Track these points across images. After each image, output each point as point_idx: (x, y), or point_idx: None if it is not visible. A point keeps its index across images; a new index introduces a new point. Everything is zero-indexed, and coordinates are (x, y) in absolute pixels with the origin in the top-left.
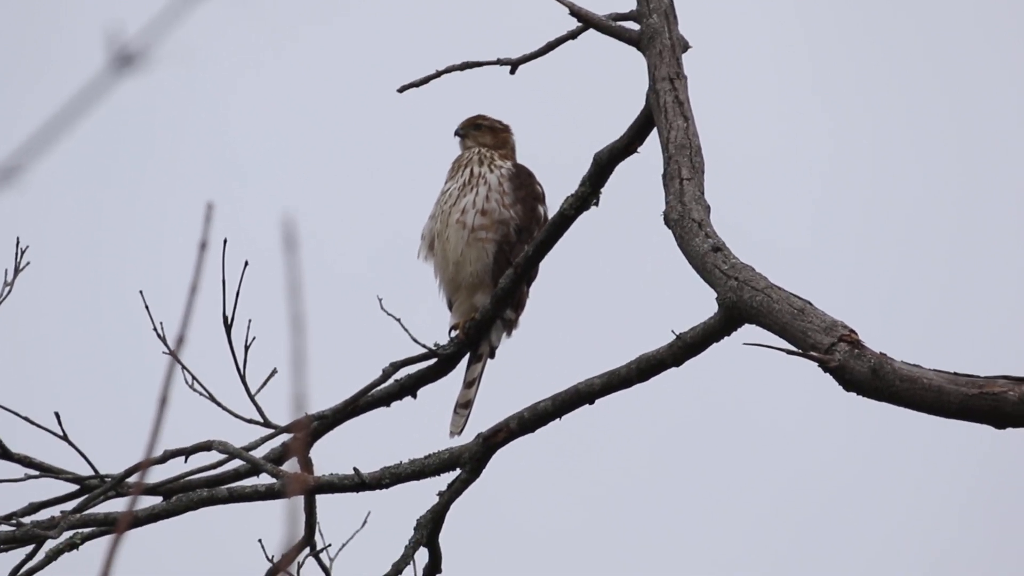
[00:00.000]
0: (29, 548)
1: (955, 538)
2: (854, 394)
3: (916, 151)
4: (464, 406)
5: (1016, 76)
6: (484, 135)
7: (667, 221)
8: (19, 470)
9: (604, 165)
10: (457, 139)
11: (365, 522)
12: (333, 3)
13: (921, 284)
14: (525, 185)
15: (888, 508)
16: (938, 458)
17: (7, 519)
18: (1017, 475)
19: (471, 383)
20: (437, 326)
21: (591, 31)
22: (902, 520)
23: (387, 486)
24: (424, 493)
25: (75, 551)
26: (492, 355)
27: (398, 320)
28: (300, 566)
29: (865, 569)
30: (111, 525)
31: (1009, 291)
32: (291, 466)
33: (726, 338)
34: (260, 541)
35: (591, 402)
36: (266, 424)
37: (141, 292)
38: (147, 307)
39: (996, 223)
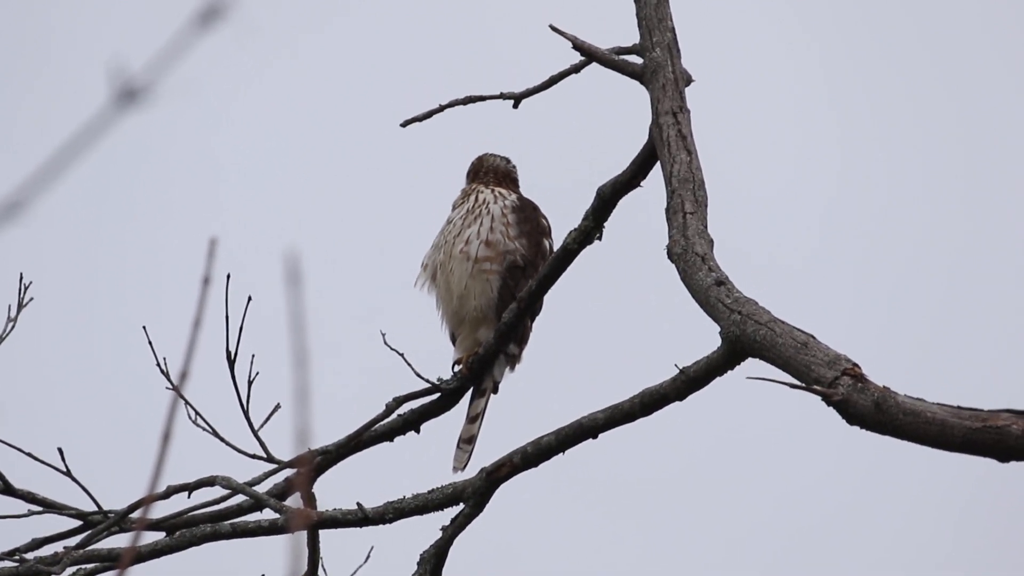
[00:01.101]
0: None
1: (953, 539)
2: (857, 428)
3: (923, 181)
4: (467, 441)
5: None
6: (488, 175)
7: (670, 255)
8: (22, 506)
9: (607, 199)
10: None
11: (368, 557)
12: (335, 37)
13: (926, 307)
14: (530, 219)
15: (891, 541)
16: (942, 493)
17: (10, 555)
18: (1018, 504)
19: (474, 418)
20: (440, 361)
21: (594, 65)
22: (906, 555)
23: (390, 521)
24: (427, 528)
25: None
26: (495, 390)
27: (401, 355)
28: None
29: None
30: (114, 561)
31: (1016, 312)
32: (294, 501)
33: (729, 372)
34: None
35: (594, 436)
36: (269, 459)
37: (144, 327)
38: (150, 342)
39: (1005, 245)
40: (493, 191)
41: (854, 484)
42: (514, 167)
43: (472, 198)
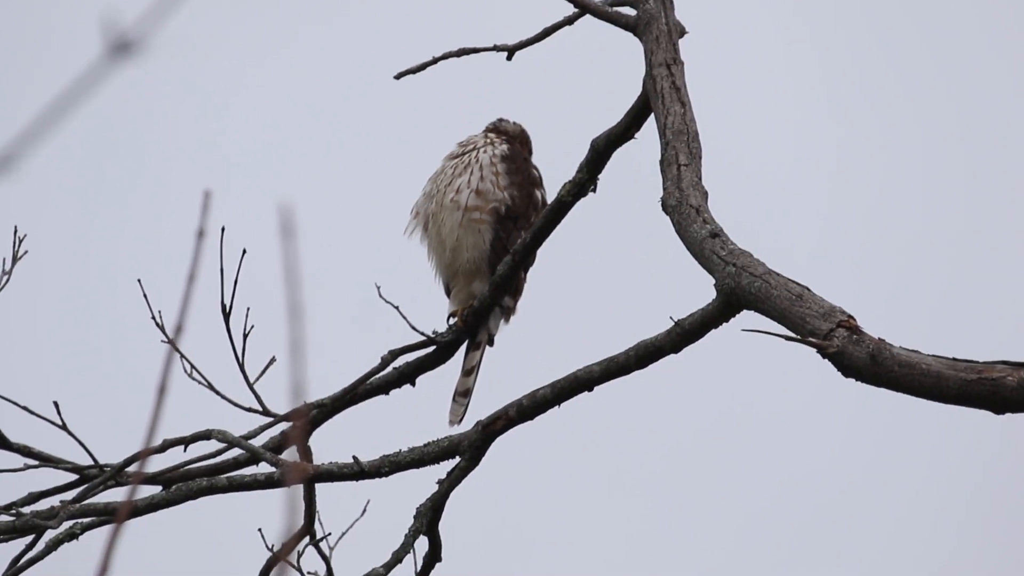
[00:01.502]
0: (29, 538)
1: (959, 528)
2: (852, 380)
3: (922, 143)
4: (463, 395)
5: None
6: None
7: (665, 207)
8: (18, 460)
9: (601, 151)
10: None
11: (365, 511)
12: None
13: (924, 281)
14: (521, 169)
15: (889, 496)
16: (941, 447)
17: (6, 509)
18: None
19: (470, 371)
20: (435, 313)
21: (588, 17)
22: (903, 509)
23: (386, 474)
24: (423, 481)
25: (75, 541)
26: (491, 343)
27: (396, 308)
28: (300, 555)
29: (864, 559)
30: (111, 515)
31: (1012, 291)
32: (290, 455)
33: (724, 324)
34: (260, 530)
35: (590, 389)
36: (265, 413)
37: (139, 281)
38: (145, 296)
39: (1001, 223)
40: (485, 136)
41: (851, 437)
42: (528, 136)
43: (466, 148)
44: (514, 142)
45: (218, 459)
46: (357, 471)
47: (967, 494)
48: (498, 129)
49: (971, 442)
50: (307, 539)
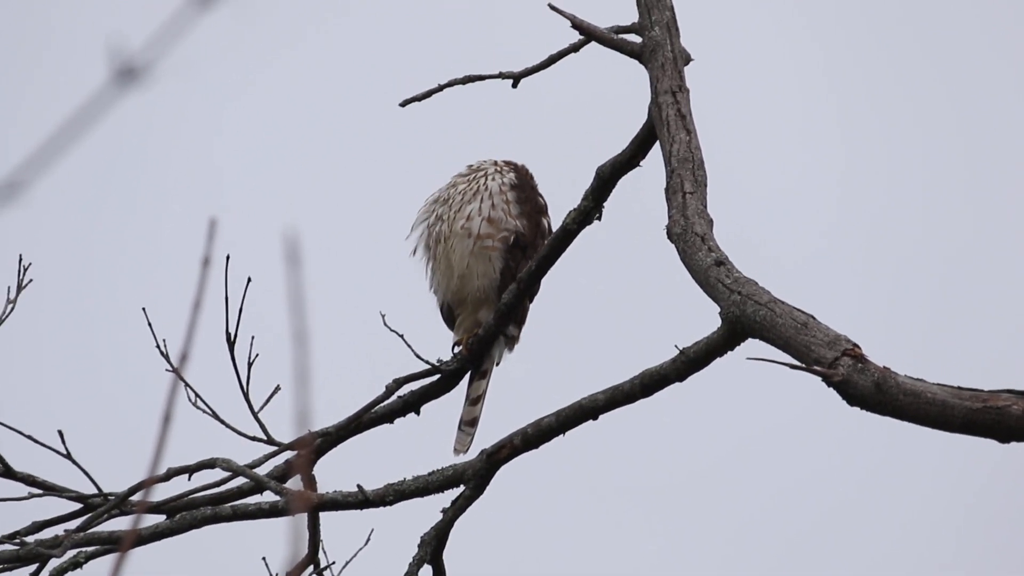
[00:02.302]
0: (33, 567)
1: (962, 553)
2: (858, 408)
3: (926, 163)
4: (470, 423)
5: None
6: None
7: (670, 235)
8: (22, 489)
9: (606, 179)
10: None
11: (368, 539)
12: (334, 18)
13: (928, 297)
14: (529, 198)
15: (893, 522)
16: (944, 472)
17: (10, 538)
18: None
19: (475, 400)
20: (440, 342)
21: (593, 44)
22: (907, 535)
23: (391, 503)
24: (428, 510)
25: (79, 570)
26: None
27: (401, 336)
28: None
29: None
30: (115, 544)
31: (1017, 301)
32: (295, 483)
33: (729, 353)
34: (264, 559)
35: (595, 418)
36: (269, 441)
37: (144, 309)
38: (150, 324)
39: (1008, 233)
40: (495, 164)
41: (856, 465)
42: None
43: (475, 174)
44: (521, 173)
45: (222, 488)
46: (361, 500)
47: (967, 512)
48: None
49: (973, 460)
50: (311, 568)
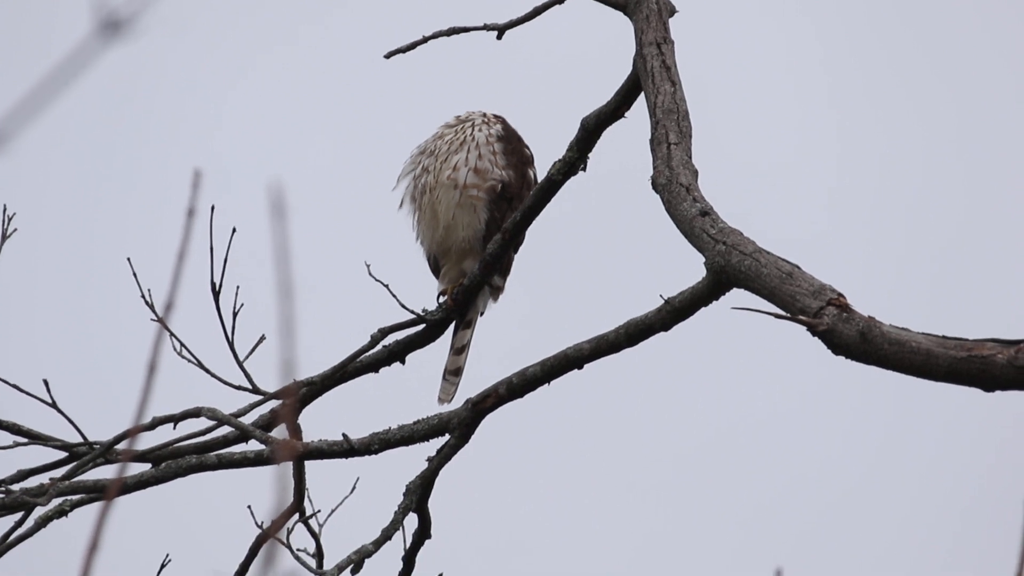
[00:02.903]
0: (18, 515)
1: (960, 522)
2: (842, 357)
3: (918, 122)
4: (454, 373)
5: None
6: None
7: (655, 186)
8: (8, 437)
9: (591, 130)
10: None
11: (354, 488)
12: None
13: (924, 271)
14: (516, 149)
15: (877, 474)
16: (926, 420)
17: None
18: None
19: (460, 350)
20: (425, 291)
21: None
22: (894, 486)
23: (376, 452)
24: (413, 459)
25: (64, 518)
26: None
27: (386, 286)
28: (289, 532)
29: (853, 541)
30: (100, 492)
31: (1012, 283)
32: (280, 432)
33: (714, 302)
34: (249, 507)
35: (580, 367)
36: (255, 390)
37: (128, 259)
38: (135, 274)
39: (1002, 217)
40: (484, 115)
41: (840, 416)
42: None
43: (463, 125)
44: (508, 125)
45: (208, 437)
46: (347, 448)
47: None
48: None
49: (955, 408)
50: (297, 516)
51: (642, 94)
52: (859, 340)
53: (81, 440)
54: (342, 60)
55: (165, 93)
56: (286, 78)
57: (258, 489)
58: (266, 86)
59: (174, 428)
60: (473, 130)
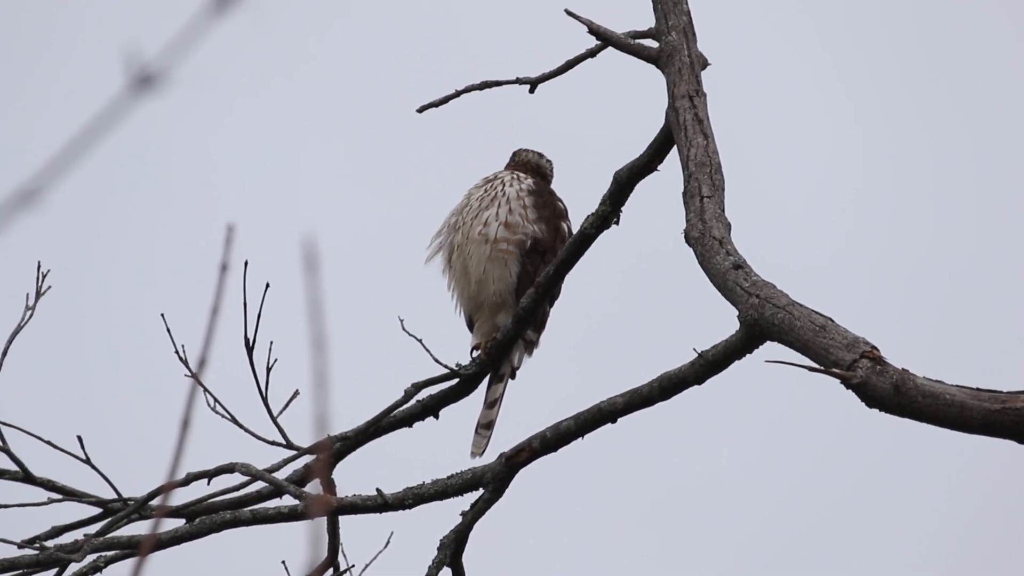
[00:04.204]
0: (52, 572)
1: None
2: (876, 410)
3: (945, 169)
4: (486, 427)
5: None
6: (519, 168)
7: (688, 239)
8: (42, 494)
9: (624, 183)
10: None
11: (388, 543)
12: (350, 25)
13: (944, 303)
14: (548, 203)
15: (911, 523)
16: (963, 473)
17: (31, 543)
18: None
19: (493, 403)
20: (459, 346)
21: (610, 49)
22: (926, 536)
23: (410, 507)
24: (447, 513)
25: (98, 574)
26: (513, 376)
27: (419, 340)
28: None
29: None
30: (134, 548)
31: None
32: (314, 487)
33: (748, 355)
34: (284, 563)
35: (613, 421)
36: (288, 446)
37: (163, 315)
38: (168, 330)
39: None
40: (511, 173)
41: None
42: (548, 162)
43: (493, 183)
44: (535, 174)
45: (242, 492)
46: (381, 503)
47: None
48: (516, 159)
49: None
50: (331, 571)
51: (675, 147)
52: (893, 393)
53: (115, 496)
54: (375, 114)
55: (198, 146)
56: (320, 133)
57: (292, 544)
58: (301, 141)
59: (208, 484)
60: (504, 186)
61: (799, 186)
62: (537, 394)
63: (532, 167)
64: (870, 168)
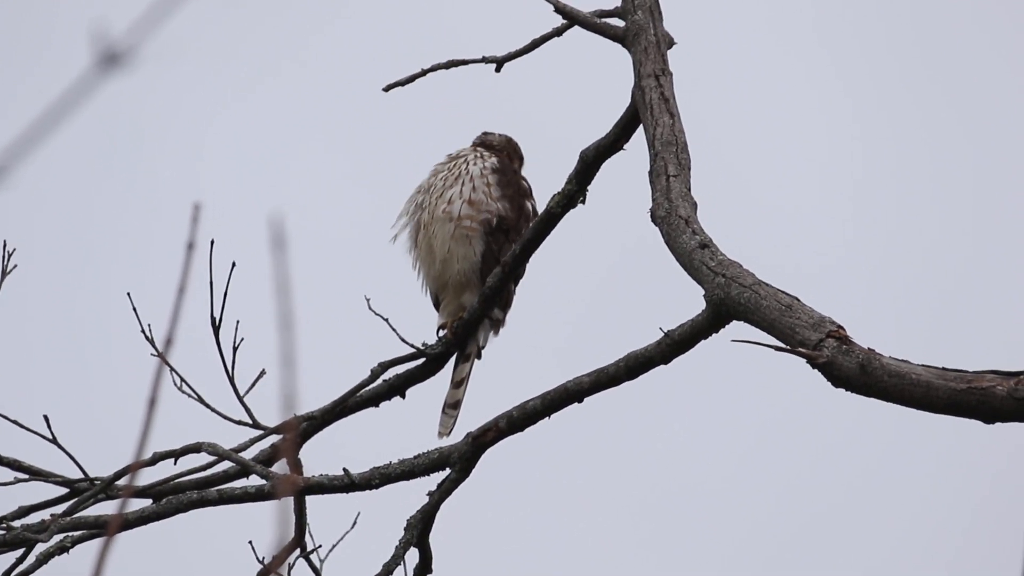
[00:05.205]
0: (19, 552)
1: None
2: (842, 390)
3: (943, 167)
4: (453, 407)
5: None
6: (489, 149)
7: (654, 218)
8: (8, 474)
9: (590, 163)
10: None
11: (355, 523)
12: (317, 4)
13: (944, 301)
14: (512, 182)
15: (878, 505)
16: (928, 454)
17: None
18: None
19: (459, 383)
20: (425, 325)
21: (576, 28)
22: (893, 519)
23: (377, 486)
24: (414, 493)
25: (65, 554)
26: (479, 355)
27: (386, 320)
28: (291, 567)
29: (856, 568)
30: (101, 528)
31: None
32: (281, 467)
33: (714, 335)
34: (251, 543)
35: (580, 400)
36: (255, 425)
37: (128, 294)
38: (135, 309)
39: (1009, 253)
40: (475, 151)
41: (840, 446)
42: (516, 144)
43: (456, 162)
44: (502, 154)
45: (208, 472)
46: (347, 483)
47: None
48: (485, 143)
49: (953, 442)
50: (298, 551)
51: (641, 126)
52: (859, 372)
53: (82, 476)
54: (341, 93)
55: (161, 124)
56: (285, 110)
57: (259, 524)
58: (265, 118)
59: (175, 463)
60: (468, 164)
61: (766, 164)
62: (504, 374)
63: (503, 148)
64: (868, 166)
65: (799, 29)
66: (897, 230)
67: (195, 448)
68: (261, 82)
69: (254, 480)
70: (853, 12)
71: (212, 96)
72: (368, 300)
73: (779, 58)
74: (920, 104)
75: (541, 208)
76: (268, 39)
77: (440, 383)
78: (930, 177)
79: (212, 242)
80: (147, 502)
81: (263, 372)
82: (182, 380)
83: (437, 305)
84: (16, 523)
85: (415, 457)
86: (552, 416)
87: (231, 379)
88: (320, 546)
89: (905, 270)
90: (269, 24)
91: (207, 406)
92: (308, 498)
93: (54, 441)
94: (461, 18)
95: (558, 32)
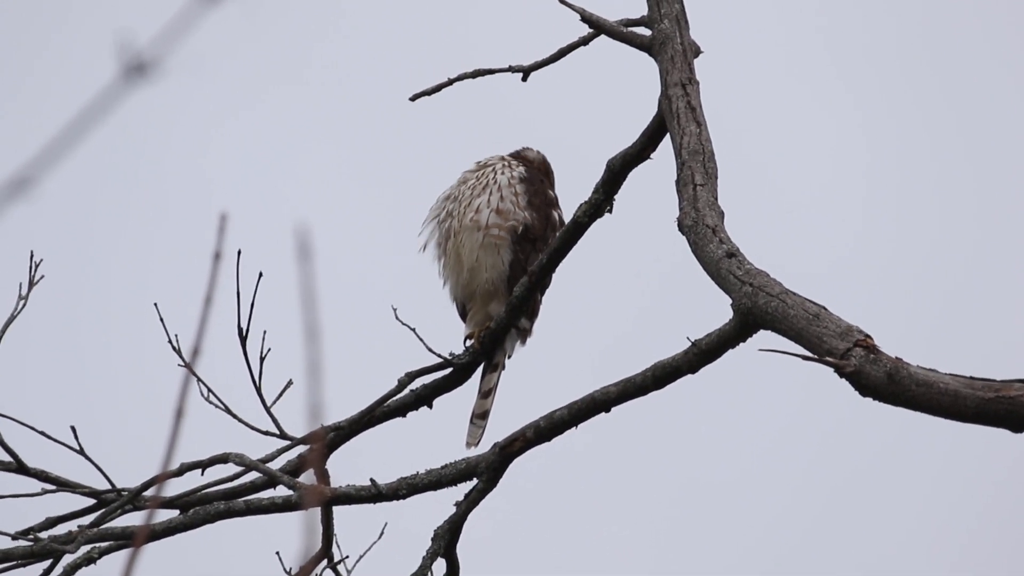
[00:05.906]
0: (47, 563)
1: (978, 544)
2: (870, 399)
3: (948, 170)
4: (481, 416)
5: None
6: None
7: (681, 227)
8: (36, 484)
9: (617, 172)
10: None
11: (382, 533)
12: (343, 13)
13: (951, 302)
14: (539, 191)
15: (904, 511)
16: (956, 462)
17: (24, 534)
18: None
19: (487, 393)
20: (452, 335)
21: (602, 37)
22: (918, 525)
23: (404, 497)
24: (441, 503)
25: (93, 565)
26: (504, 366)
27: (413, 330)
28: None
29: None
30: (128, 539)
31: None
32: (308, 478)
33: (741, 344)
34: (278, 553)
35: (607, 410)
36: (282, 436)
37: (156, 304)
38: (162, 319)
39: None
40: (503, 160)
41: (867, 455)
42: (549, 165)
43: (484, 170)
44: (532, 165)
45: (236, 483)
46: (375, 493)
47: (984, 505)
48: (519, 155)
49: (988, 452)
50: (325, 562)
51: (668, 135)
52: (887, 382)
53: (109, 487)
54: (368, 103)
55: (190, 135)
56: (309, 119)
57: (286, 535)
58: (293, 130)
59: (202, 474)
60: (495, 174)
61: (793, 173)
62: (531, 384)
63: (534, 163)
64: (874, 168)
65: (809, 39)
66: (904, 233)
67: (222, 459)
68: (283, 90)
69: (281, 491)
70: (862, 21)
71: (236, 106)
72: (395, 310)
73: (792, 68)
74: (948, 115)
75: (568, 218)
76: (292, 47)
77: (467, 393)
78: (940, 178)
79: (239, 252)
80: (174, 513)
81: (290, 382)
82: (209, 390)
83: (463, 315)
84: (43, 534)
85: (442, 467)
86: (579, 426)
87: (258, 389)
88: (347, 556)
89: (917, 273)
90: (292, 32)
91: (234, 416)
92: (335, 508)
93: (81, 452)
94: (486, 27)
95: (584, 41)
